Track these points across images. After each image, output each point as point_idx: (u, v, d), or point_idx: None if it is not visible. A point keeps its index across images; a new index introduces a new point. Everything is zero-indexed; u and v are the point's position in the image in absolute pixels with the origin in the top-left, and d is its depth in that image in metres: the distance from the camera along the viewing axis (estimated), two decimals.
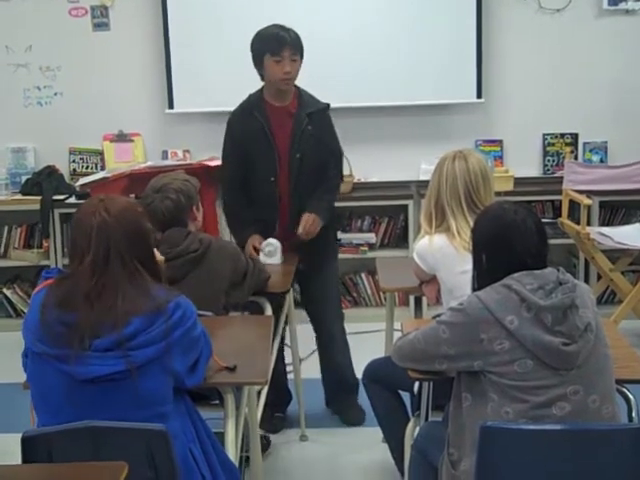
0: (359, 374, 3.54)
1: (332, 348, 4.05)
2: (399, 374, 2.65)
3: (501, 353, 2.25)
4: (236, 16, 5.34)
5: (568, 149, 5.60)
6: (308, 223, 3.75)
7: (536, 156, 5.65)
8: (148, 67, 5.55)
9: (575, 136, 5.61)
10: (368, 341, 4.18)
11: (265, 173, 3.76)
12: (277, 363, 3.67)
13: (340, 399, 4.10)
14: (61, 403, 2.21)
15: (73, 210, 3.02)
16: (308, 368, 4.26)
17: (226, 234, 5.25)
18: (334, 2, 5.37)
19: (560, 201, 5.17)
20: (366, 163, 5.47)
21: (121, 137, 5.63)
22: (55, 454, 2.16)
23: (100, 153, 5.64)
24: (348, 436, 3.93)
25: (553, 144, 5.62)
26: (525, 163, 5.60)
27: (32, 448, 2.15)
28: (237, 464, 2.57)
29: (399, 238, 5.62)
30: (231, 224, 3.95)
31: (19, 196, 5.49)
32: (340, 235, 5.21)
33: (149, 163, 4.86)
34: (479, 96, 5.48)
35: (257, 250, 3.74)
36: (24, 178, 5.53)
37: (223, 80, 5.36)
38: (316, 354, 4.14)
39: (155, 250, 2.42)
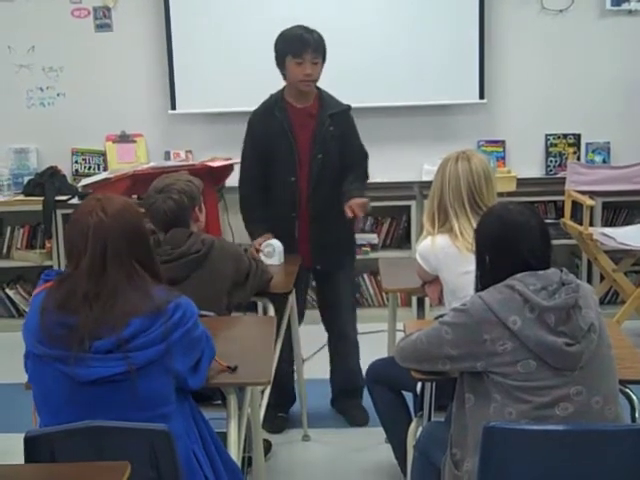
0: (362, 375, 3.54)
1: (344, 349, 4.06)
2: (402, 374, 2.65)
3: (504, 354, 2.25)
4: (238, 17, 5.34)
5: (571, 150, 5.60)
6: (355, 206, 3.74)
7: (539, 157, 5.65)
8: (150, 68, 5.56)
9: (578, 137, 5.60)
10: (371, 342, 4.18)
11: (285, 173, 3.80)
12: (281, 363, 3.67)
13: (346, 400, 4.10)
14: (62, 405, 2.20)
15: None
16: (311, 368, 4.26)
17: (228, 235, 5.26)
18: (335, 2, 5.37)
19: (563, 202, 5.16)
20: (368, 164, 5.46)
21: (124, 138, 5.63)
22: (58, 454, 2.15)
23: (103, 154, 5.64)
24: (351, 436, 3.93)
25: (556, 145, 5.62)
26: (527, 164, 5.60)
27: (35, 448, 2.15)
28: (240, 464, 2.56)
29: (401, 239, 5.62)
30: (246, 222, 3.95)
31: (22, 197, 5.49)
32: None
33: (152, 164, 4.85)
34: (481, 97, 5.47)
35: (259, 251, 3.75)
36: (27, 179, 5.53)
37: (225, 81, 5.37)
38: (319, 354, 4.13)
39: None
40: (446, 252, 3.01)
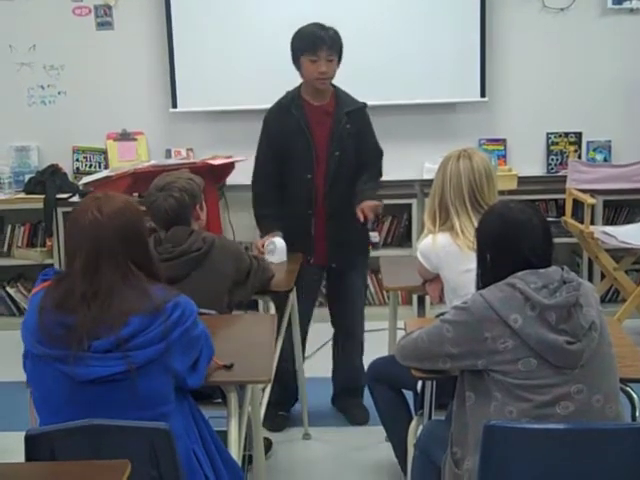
0: None
1: (350, 347, 4.06)
2: (402, 373, 2.65)
3: (505, 352, 2.25)
4: (240, 15, 5.34)
5: (572, 148, 5.59)
6: (367, 208, 3.75)
7: (540, 155, 5.65)
8: (152, 66, 5.55)
9: (579, 135, 5.60)
10: (371, 340, 4.17)
11: (302, 170, 3.80)
12: (283, 362, 3.66)
13: (347, 398, 4.11)
14: (62, 404, 2.20)
15: None
16: (312, 366, 4.25)
17: (229, 233, 5.27)
18: (335, 2, 5.36)
19: (564, 200, 5.16)
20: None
21: (124, 136, 5.63)
22: (58, 452, 2.15)
23: (104, 152, 5.64)
24: (351, 435, 3.93)
25: (557, 143, 5.61)
26: (529, 162, 5.59)
27: (35, 446, 2.15)
28: (240, 463, 2.56)
29: (402, 237, 5.61)
30: (257, 219, 3.94)
31: (23, 195, 5.49)
32: None
33: (152, 162, 4.85)
34: (483, 95, 5.47)
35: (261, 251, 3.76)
36: (27, 177, 5.53)
37: (227, 79, 5.36)
38: (320, 352, 4.13)
39: None
40: (447, 250, 3.00)
